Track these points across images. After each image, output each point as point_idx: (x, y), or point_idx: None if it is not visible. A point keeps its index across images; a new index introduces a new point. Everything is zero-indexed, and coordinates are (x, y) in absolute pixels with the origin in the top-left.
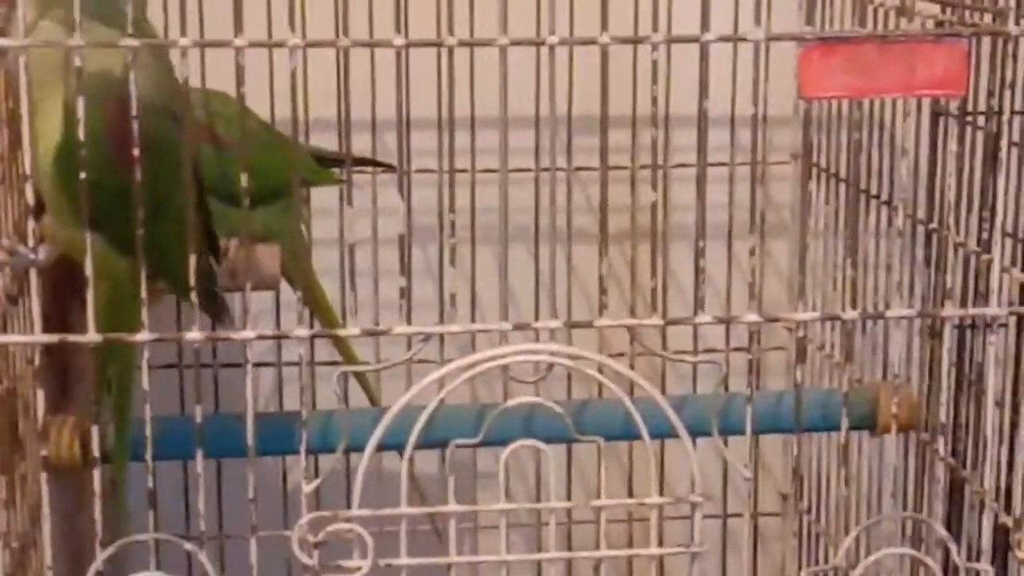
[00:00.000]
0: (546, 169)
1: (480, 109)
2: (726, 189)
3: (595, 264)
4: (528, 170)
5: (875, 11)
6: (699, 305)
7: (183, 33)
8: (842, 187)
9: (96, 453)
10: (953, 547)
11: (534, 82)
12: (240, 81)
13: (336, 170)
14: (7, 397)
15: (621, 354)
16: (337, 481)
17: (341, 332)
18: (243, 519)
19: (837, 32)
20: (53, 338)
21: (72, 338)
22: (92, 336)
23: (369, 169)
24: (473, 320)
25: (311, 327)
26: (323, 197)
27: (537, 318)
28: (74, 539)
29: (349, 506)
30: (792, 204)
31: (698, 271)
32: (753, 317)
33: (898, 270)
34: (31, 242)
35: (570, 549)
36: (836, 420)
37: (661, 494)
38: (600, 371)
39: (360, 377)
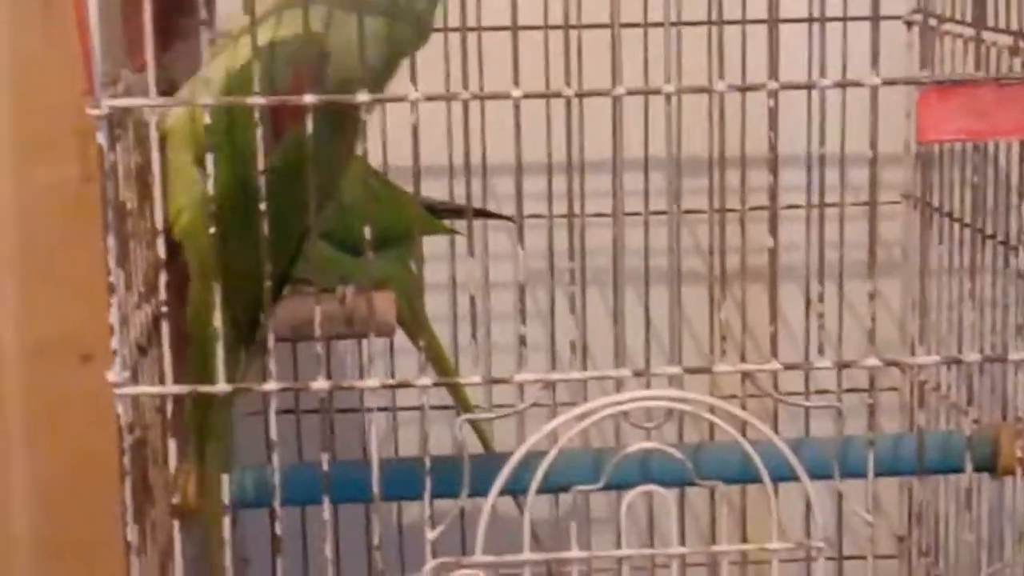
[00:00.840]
0: (658, 212)
1: (588, 153)
2: (836, 228)
3: (703, 306)
4: (637, 213)
5: (987, 50)
6: (818, 350)
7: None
8: (955, 226)
9: (225, 501)
10: None
11: (642, 127)
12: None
13: (447, 221)
14: (138, 447)
15: (733, 396)
16: (451, 526)
17: (463, 381)
18: (359, 565)
19: (953, 76)
20: (184, 389)
21: (203, 389)
22: (222, 386)
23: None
24: (584, 364)
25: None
26: (433, 241)
27: (647, 361)
28: None
29: (465, 551)
30: (903, 243)
31: (813, 315)
32: (872, 362)
33: (1016, 311)
34: (161, 294)
35: None
36: (955, 462)
37: (779, 539)
38: (713, 413)
39: (475, 422)
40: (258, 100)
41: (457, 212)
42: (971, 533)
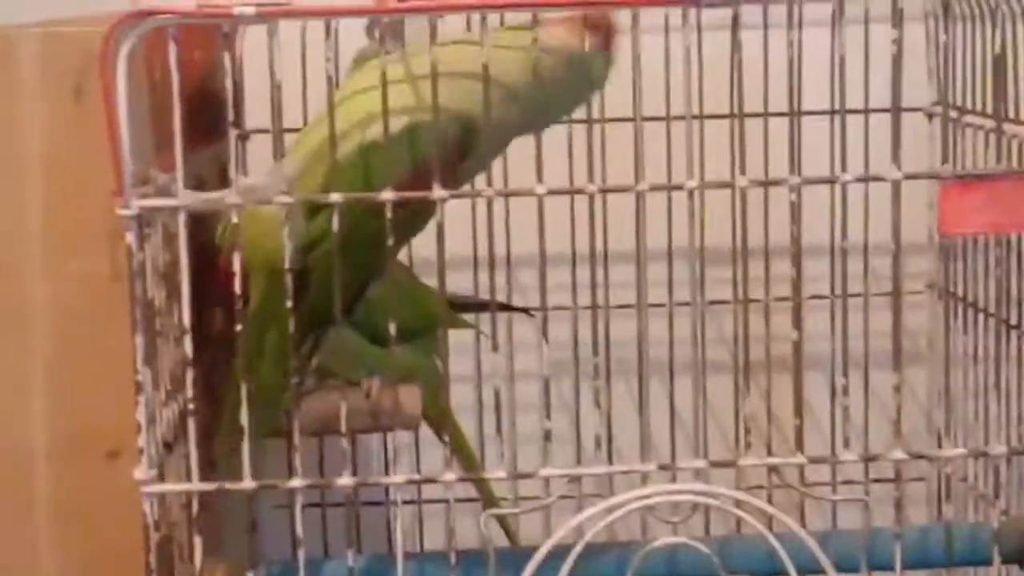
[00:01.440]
0: (682, 303)
1: (611, 245)
2: (860, 318)
3: (728, 397)
4: (661, 305)
5: (1009, 142)
6: (844, 443)
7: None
8: (980, 316)
9: None
10: None
11: (665, 218)
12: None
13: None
14: (164, 543)
15: (759, 487)
16: None
17: (489, 476)
18: None
19: (975, 170)
20: (210, 486)
21: (230, 486)
22: (247, 484)
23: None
24: (609, 457)
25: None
26: (458, 333)
27: (672, 454)
28: None
29: None
30: (928, 332)
31: (839, 406)
32: (899, 455)
33: None
34: (188, 392)
35: None
36: (983, 555)
37: None
38: (739, 507)
39: (501, 516)
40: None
41: (482, 306)
42: None
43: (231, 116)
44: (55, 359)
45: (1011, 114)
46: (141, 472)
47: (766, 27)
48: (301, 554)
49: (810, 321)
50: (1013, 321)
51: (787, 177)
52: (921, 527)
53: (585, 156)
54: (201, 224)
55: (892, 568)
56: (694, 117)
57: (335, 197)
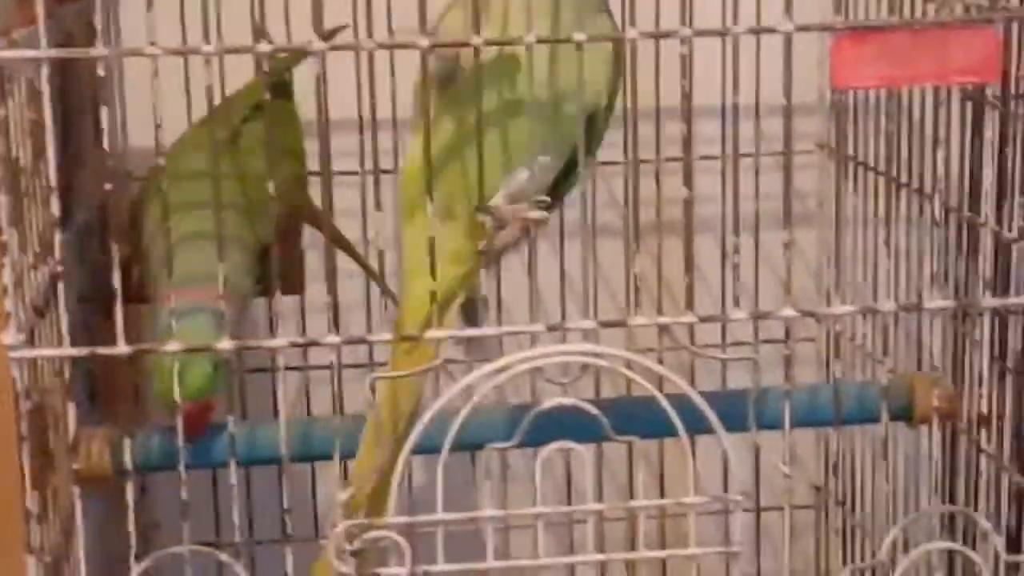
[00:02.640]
0: None
1: None
2: (751, 180)
3: (619, 260)
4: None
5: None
6: (734, 302)
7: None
8: (869, 175)
9: (128, 464)
10: (997, 539)
11: None
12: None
13: None
14: (37, 411)
15: (650, 350)
16: None
17: (375, 338)
18: (271, 529)
19: (868, 21)
20: (83, 351)
21: (103, 351)
22: (122, 348)
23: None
24: (499, 320)
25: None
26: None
27: (563, 316)
28: (106, 551)
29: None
30: (817, 193)
31: (729, 266)
32: (789, 312)
33: (932, 260)
34: (57, 254)
35: (603, 550)
36: (872, 412)
37: (696, 493)
38: (629, 367)
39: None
40: None
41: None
42: (888, 483)
43: None
44: None
45: None
46: (9, 336)
47: None
48: (180, 420)
49: (700, 182)
50: (903, 180)
51: (678, 29)
52: (810, 386)
53: None
54: (68, 81)
55: (781, 427)
56: None
57: None
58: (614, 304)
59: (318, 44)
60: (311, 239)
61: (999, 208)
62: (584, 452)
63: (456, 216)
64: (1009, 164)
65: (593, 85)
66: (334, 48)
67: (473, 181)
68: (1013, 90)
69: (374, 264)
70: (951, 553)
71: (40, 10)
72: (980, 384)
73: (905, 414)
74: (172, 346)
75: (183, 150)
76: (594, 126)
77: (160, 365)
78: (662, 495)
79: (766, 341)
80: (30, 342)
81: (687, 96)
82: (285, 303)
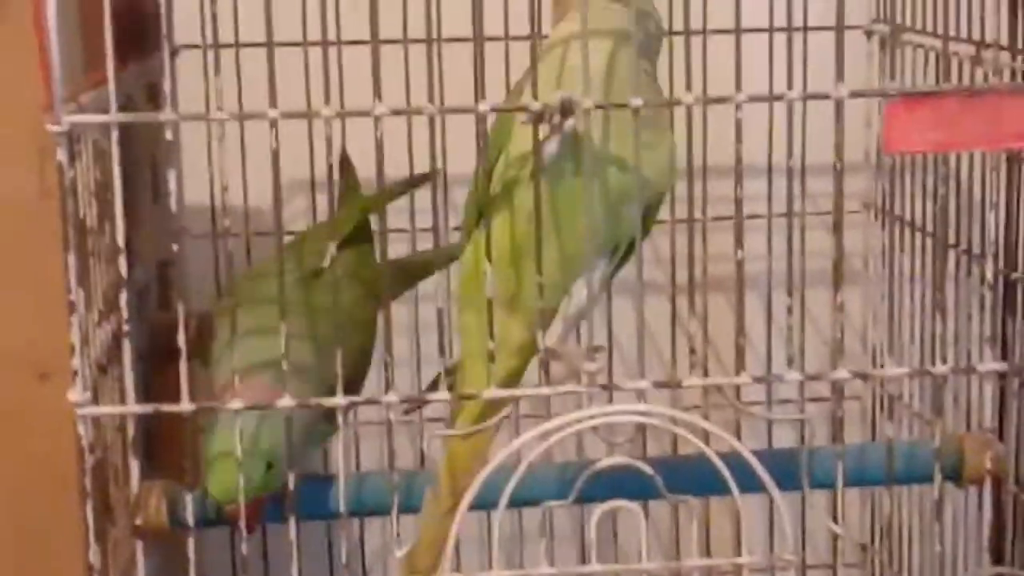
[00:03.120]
0: None
1: None
2: (797, 239)
3: (665, 318)
4: None
5: (947, 60)
6: (788, 362)
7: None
8: (916, 235)
9: (189, 519)
10: None
11: None
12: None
13: None
14: (99, 467)
15: (696, 407)
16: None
17: (432, 398)
18: None
19: (920, 87)
20: (148, 408)
21: (167, 408)
22: (186, 405)
23: None
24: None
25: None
26: None
27: (609, 376)
28: None
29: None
30: (863, 253)
31: (774, 325)
32: (841, 374)
33: (979, 320)
34: (123, 313)
35: None
36: (921, 472)
37: (740, 550)
38: (674, 423)
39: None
40: None
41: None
42: (941, 544)
43: (163, 30)
44: None
45: (952, 31)
46: (75, 394)
47: None
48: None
49: (748, 241)
50: (952, 240)
51: (733, 95)
52: (859, 445)
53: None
54: (126, 141)
55: (830, 486)
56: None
57: None
58: (659, 361)
59: (380, 108)
60: None
61: None
62: (636, 510)
63: (519, 310)
64: None
65: (656, 185)
66: (395, 113)
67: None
68: None
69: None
70: None
71: (110, 75)
72: None
73: (955, 474)
74: (235, 404)
75: (261, 274)
76: (648, 218)
77: (214, 465)
78: (709, 554)
79: (813, 399)
80: (94, 399)
81: (740, 160)
82: None
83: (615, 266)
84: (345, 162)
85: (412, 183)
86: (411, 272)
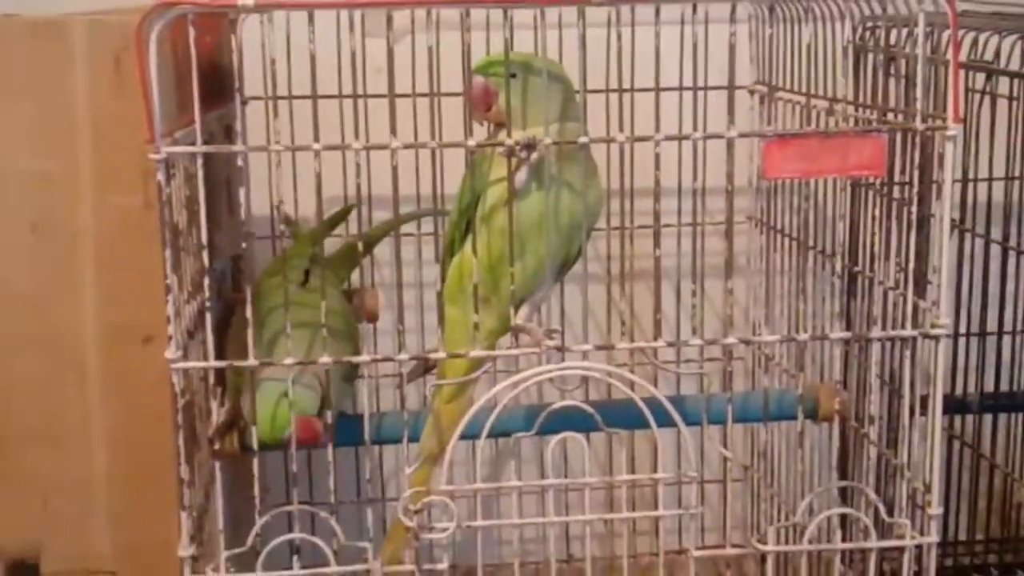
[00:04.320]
0: None
1: None
2: (700, 242)
3: (602, 301)
4: None
5: (808, 111)
6: (692, 331)
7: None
8: (785, 240)
9: (254, 446)
10: (881, 507)
11: None
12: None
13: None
14: (188, 407)
15: (624, 364)
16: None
17: (432, 355)
18: (351, 493)
19: (789, 131)
20: (222, 363)
21: (237, 363)
22: (252, 361)
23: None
24: (518, 344)
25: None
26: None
27: (562, 339)
28: (234, 511)
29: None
30: (748, 253)
31: (682, 306)
32: (731, 340)
33: (830, 301)
34: (205, 292)
35: (591, 512)
36: (788, 412)
37: (655, 471)
38: (632, 386)
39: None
40: None
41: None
42: (802, 464)
43: (236, 85)
44: (102, 270)
45: (812, 90)
46: (170, 352)
47: (633, 24)
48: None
49: (664, 244)
50: (811, 243)
51: (653, 135)
52: (743, 393)
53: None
54: (208, 166)
55: (722, 422)
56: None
57: None
58: (599, 332)
59: (395, 143)
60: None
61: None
62: (581, 440)
63: (491, 304)
64: (886, 233)
65: (591, 218)
66: (407, 147)
67: (514, 282)
68: (888, 179)
69: None
70: (845, 516)
71: (197, 118)
72: (869, 393)
73: (813, 414)
74: (288, 360)
75: (269, 274)
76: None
77: (262, 413)
78: (633, 472)
79: (709, 360)
80: (184, 357)
81: (658, 182)
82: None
83: (564, 271)
84: (287, 218)
85: (340, 217)
86: (366, 249)
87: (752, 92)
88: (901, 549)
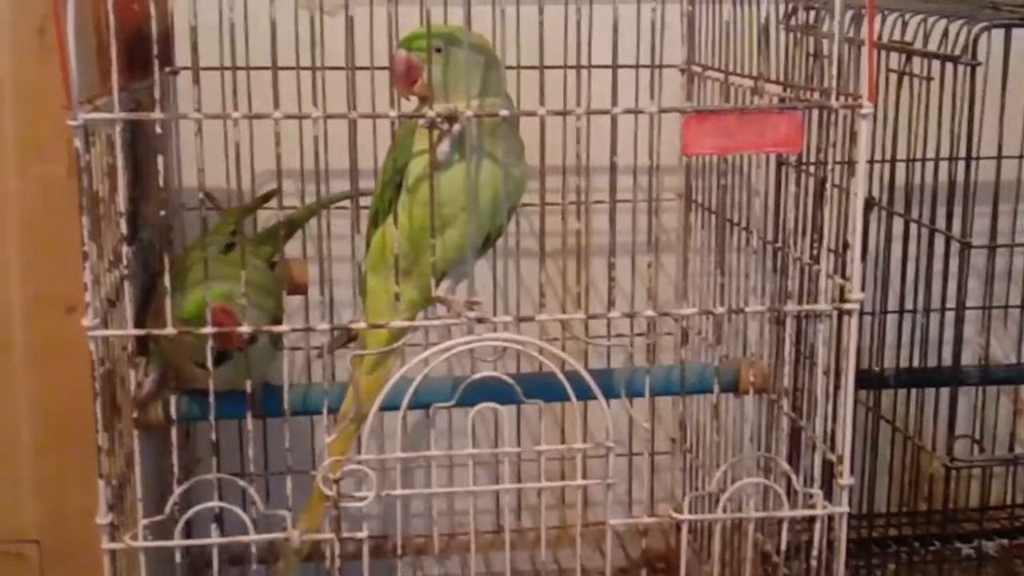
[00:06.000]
0: None
1: None
2: (630, 219)
3: (535, 275)
4: None
5: (736, 91)
6: (611, 304)
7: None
8: (713, 217)
9: (174, 414)
10: (794, 477)
11: None
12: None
13: None
14: (108, 375)
15: (556, 339)
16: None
17: (354, 325)
18: (279, 464)
19: (708, 106)
20: (141, 332)
21: (155, 331)
22: (169, 330)
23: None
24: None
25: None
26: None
27: (494, 311)
28: (162, 481)
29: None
30: (677, 230)
31: (611, 278)
32: (651, 313)
33: (753, 277)
34: (124, 261)
35: (519, 482)
36: (710, 385)
37: (585, 441)
38: (540, 352)
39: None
40: None
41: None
42: (718, 435)
43: (155, 52)
44: (26, 239)
45: (735, 68)
46: (88, 320)
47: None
48: (211, 383)
49: (594, 221)
50: (736, 220)
51: (575, 108)
52: (667, 366)
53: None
54: (139, 137)
55: (645, 395)
56: (509, 68)
57: None
58: (532, 307)
59: (315, 113)
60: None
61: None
62: (503, 410)
63: (413, 276)
64: (806, 209)
65: (514, 198)
66: (329, 117)
67: (435, 255)
68: (806, 157)
69: None
70: (768, 489)
71: (115, 84)
72: (786, 366)
73: (732, 388)
74: (206, 330)
75: (191, 248)
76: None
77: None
78: (563, 443)
79: (639, 334)
80: (104, 325)
81: (579, 156)
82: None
83: (487, 246)
84: (208, 195)
85: (262, 200)
86: (288, 230)
87: (683, 71)
88: (813, 519)
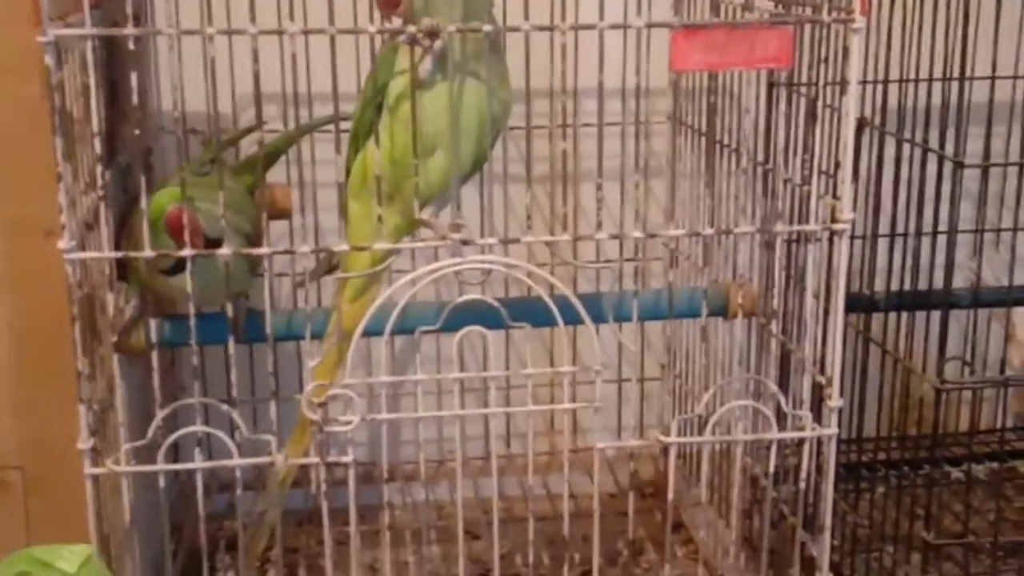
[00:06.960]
0: None
1: None
2: (619, 142)
3: (524, 198)
4: None
5: (726, 8)
6: (599, 225)
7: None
8: (702, 140)
9: (153, 337)
10: (783, 399)
11: None
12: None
13: None
14: (87, 299)
15: (544, 264)
16: None
17: (337, 248)
18: (265, 389)
19: (696, 21)
20: (119, 254)
21: (132, 254)
22: (148, 252)
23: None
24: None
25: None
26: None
27: (481, 233)
28: (146, 408)
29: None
30: (667, 152)
31: (598, 200)
32: (638, 234)
33: (743, 198)
34: (99, 184)
35: (508, 406)
36: (699, 308)
37: (573, 364)
38: (529, 275)
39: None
40: None
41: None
42: (707, 359)
43: None
44: (1, 161)
45: None
46: (64, 243)
47: None
48: (191, 306)
49: (583, 144)
50: (726, 142)
51: (559, 23)
52: (656, 290)
53: None
54: (115, 56)
55: (633, 319)
56: None
57: None
58: (520, 231)
59: (292, 28)
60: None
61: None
62: (489, 334)
63: (395, 201)
64: (797, 130)
65: (498, 123)
66: (307, 32)
67: (419, 182)
68: (797, 78)
69: None
70: (759, 413)
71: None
72: (775, 289)
73: (722, 311)
74: (185, 252)
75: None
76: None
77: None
78: (551, 367)
79: (628, 260)
80: (81, 247)
81: (570, 75)
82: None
83: (472, 172)
84: (193, 130)
85: (243, 133)
86: (268, 159)
87: None
88: (802, 442)
